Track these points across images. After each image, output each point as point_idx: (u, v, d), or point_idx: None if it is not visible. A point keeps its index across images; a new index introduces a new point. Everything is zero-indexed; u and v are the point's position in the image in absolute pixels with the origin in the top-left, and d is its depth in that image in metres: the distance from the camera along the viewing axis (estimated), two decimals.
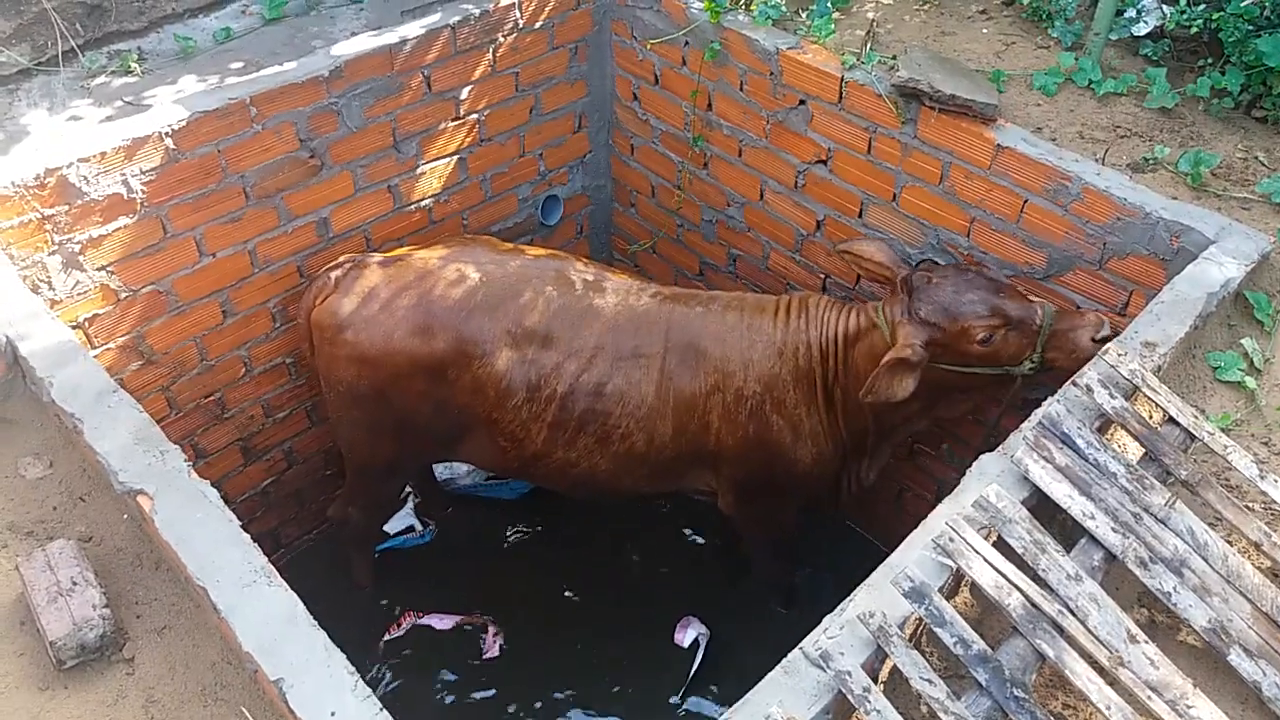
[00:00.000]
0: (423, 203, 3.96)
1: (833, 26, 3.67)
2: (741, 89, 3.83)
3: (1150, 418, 2.49)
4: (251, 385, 3.80)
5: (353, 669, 1.91)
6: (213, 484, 3.76)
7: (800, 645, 1.96)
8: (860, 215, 3.73)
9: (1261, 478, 2.27)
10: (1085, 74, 3.45)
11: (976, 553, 2.08)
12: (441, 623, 4.03)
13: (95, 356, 3.26)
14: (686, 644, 3.95)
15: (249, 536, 2.11)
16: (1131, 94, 3.43)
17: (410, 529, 4.38)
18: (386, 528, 4.31)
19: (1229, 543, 2.27)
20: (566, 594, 4.22)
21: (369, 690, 1.87)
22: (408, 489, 4.44)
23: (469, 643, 3.99)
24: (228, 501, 3.82)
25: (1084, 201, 3.09)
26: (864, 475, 3.62)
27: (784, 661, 1.94)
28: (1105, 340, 2.79)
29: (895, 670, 1.99)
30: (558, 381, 3.30)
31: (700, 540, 4.44)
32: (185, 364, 3.56)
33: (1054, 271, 3.25)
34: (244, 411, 3.83)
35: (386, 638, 4.00)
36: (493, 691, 3.87)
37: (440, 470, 4.46)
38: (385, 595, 4.16)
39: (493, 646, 3.98)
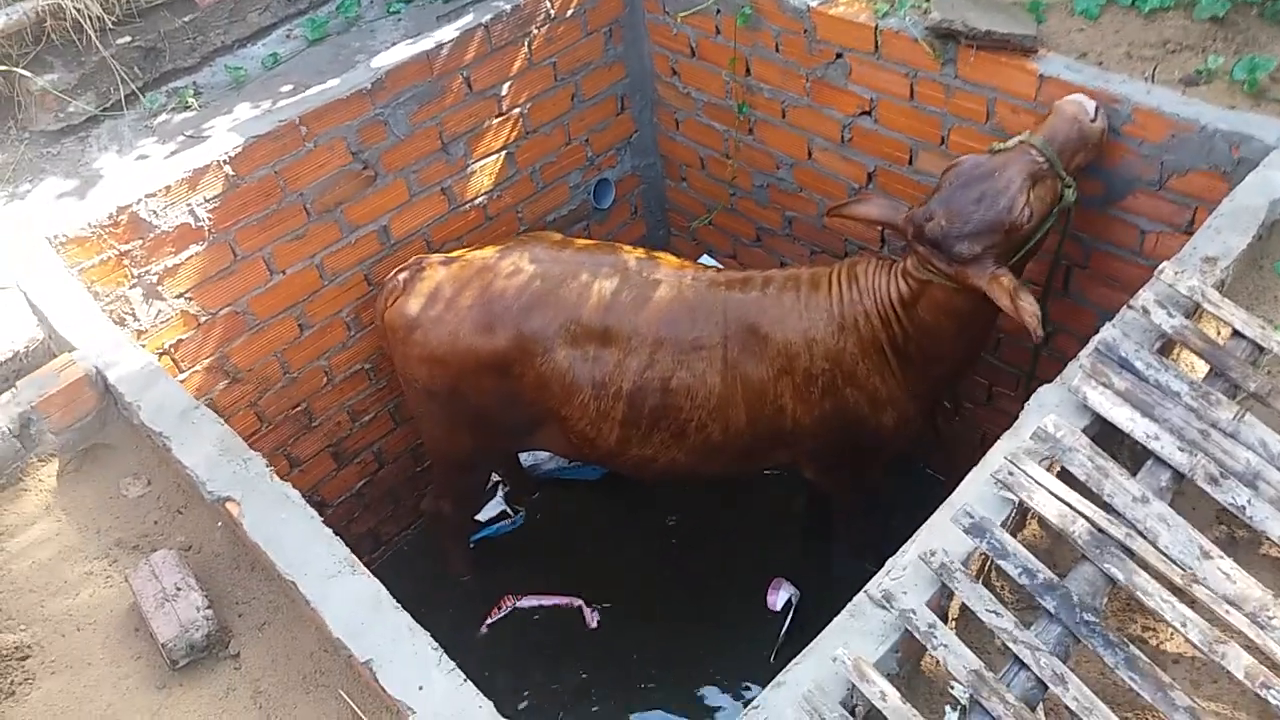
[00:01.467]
0: (476, 201, 4.06)
1: None
2: (777, 50, 3.82)
3: (1218, 334, 2.44)
4: (335, 393, 3.96)
5: (436, 645, 2.01)
6: (308, 490, 4.03)
7: (864, 588, 1.99)
8: (911, 162, 3.69)
9: None
10: None
11: (1038, 484, 2.07)
12: (537, 602, 4.14)
13: (184, 380, 3.45)
14: (779, 606, 3.99)
15: (330, 530, 2.22)
16: (1179, 7, 3.31)
17: (504, 515, 4.50)
18: (479, 517, 4.44)
19: None
20: (657, 566, 4.30)
21: (453, 664, 1.97)
22: (496, 477, 4.57)
23: (567, 620, 4.10)
24: (325, 506, 4.10)
25: (1135, 122, 3.01)
26: (946, 423, 3.58)
27: (850, 605, 1.97)
28: (1096, 115, 2.89)
29: (965, 607, 2.00)
30: (622, 379, 3.30)
31: (789, 504, 4.46)
32: (270, 378, 3.72)
33: (1113, 197, 3.17)
34: (331, 418, 3.99)
35: (489, 621, 4.13)
36: (590, 664, 3.98)
37: (525, 457, 4.56)
38: (483, 582, 4.29)
39: (592, 619, 4.08)
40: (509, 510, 4.49)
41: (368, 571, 2.13)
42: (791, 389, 3.31)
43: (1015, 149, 2.90)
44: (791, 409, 3.35)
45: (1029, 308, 2.78)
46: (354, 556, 2.16)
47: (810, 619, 3.90)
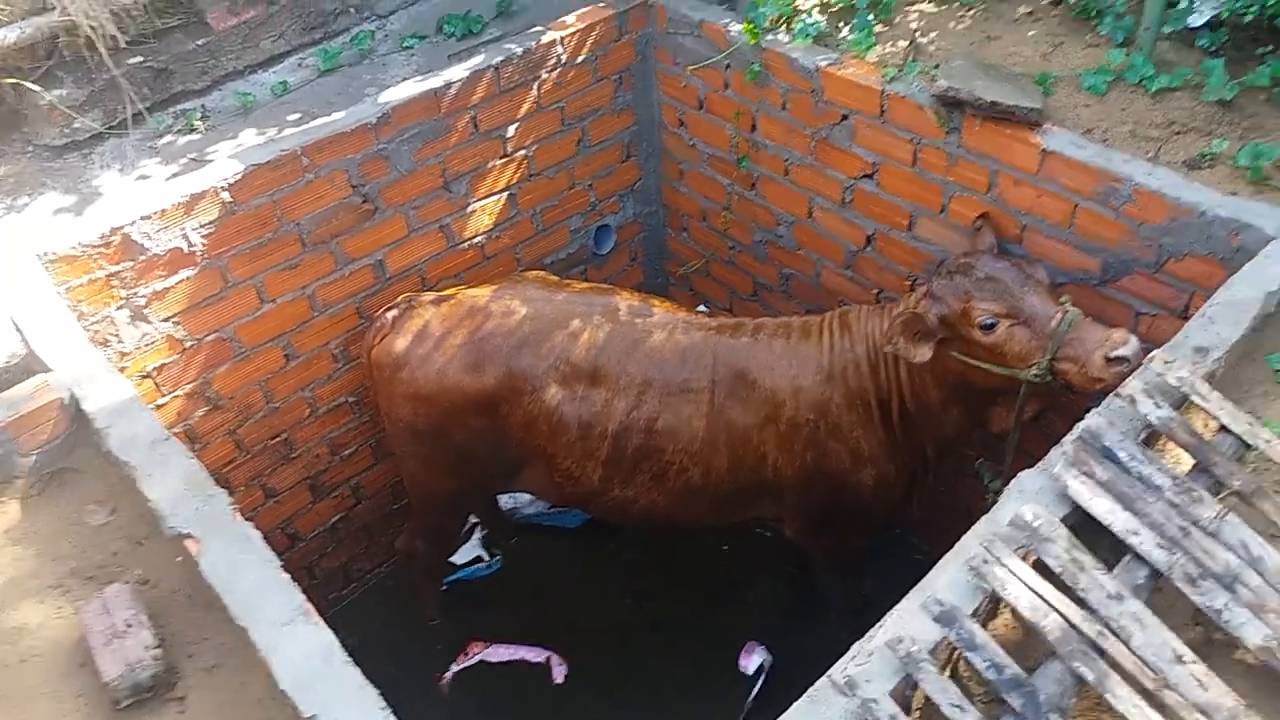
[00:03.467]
0: (475, 240, 4.05)
1: (873, 39, 3.64)
2: (784, 108, 3.82)
3: (1205, 427, 2.39)
4: (317, 425, 3.92)
5: (385, 705, 1.95)
6: (282, 522, 3.98)
7: (828, 673, 1.93)
8: (910, 228, 3.67)
9: None
10: (1136, 70, 3.33)
11: (1012, 574, 2.02)
12: (506, 654, 4.07)
13: (164, 404, 3.42)
14: (751, 670, 3.92)
15: (289, 576, 2.17)
16: (1187, 88, 3.31)
17: (478, 560, 4.45)
18: (454, 559, 4.39)
19: None
20: (632, 620, 4.23)
21: None
22: (474, 520, 4.52)
23: (533, 674, 4.02)
24: (298, 539, 4.05)
25: (1136, 203, 2.99)
26: (927, 497, 3.54)
27: (811, 689, 1.92)
28: (1120, 361, 2.63)
29: (930, 699, 1.94)
30: (608, 419, 3.30)
31: (767, 565, 4.40)
32: (251, 407, 3.69)
33: (1110, 276, 3.14)
34: (310, 450, 3.95)
35: (455, 668, 4.06)
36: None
37: (504, 500, 4.52)
38: (454, 627, 4.23)
39: (559, 674, 4.00)
40: (484, 555, 4.44)
41: (321, 621, 2.08)
42: (775, 437, 3.29)
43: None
44: (773, 458, 3.32)
45: (902, 339, 2.89)
46: (309, 605, 2.11)
47: (783, 685, 3.83)
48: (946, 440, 3.31)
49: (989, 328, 2.83)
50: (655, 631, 4.17)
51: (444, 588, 4.31)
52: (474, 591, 4.38)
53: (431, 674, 4.06)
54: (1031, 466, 2.27)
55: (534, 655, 4.06)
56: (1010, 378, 2.87)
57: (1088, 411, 2.33)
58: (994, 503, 3.02)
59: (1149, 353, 2.53)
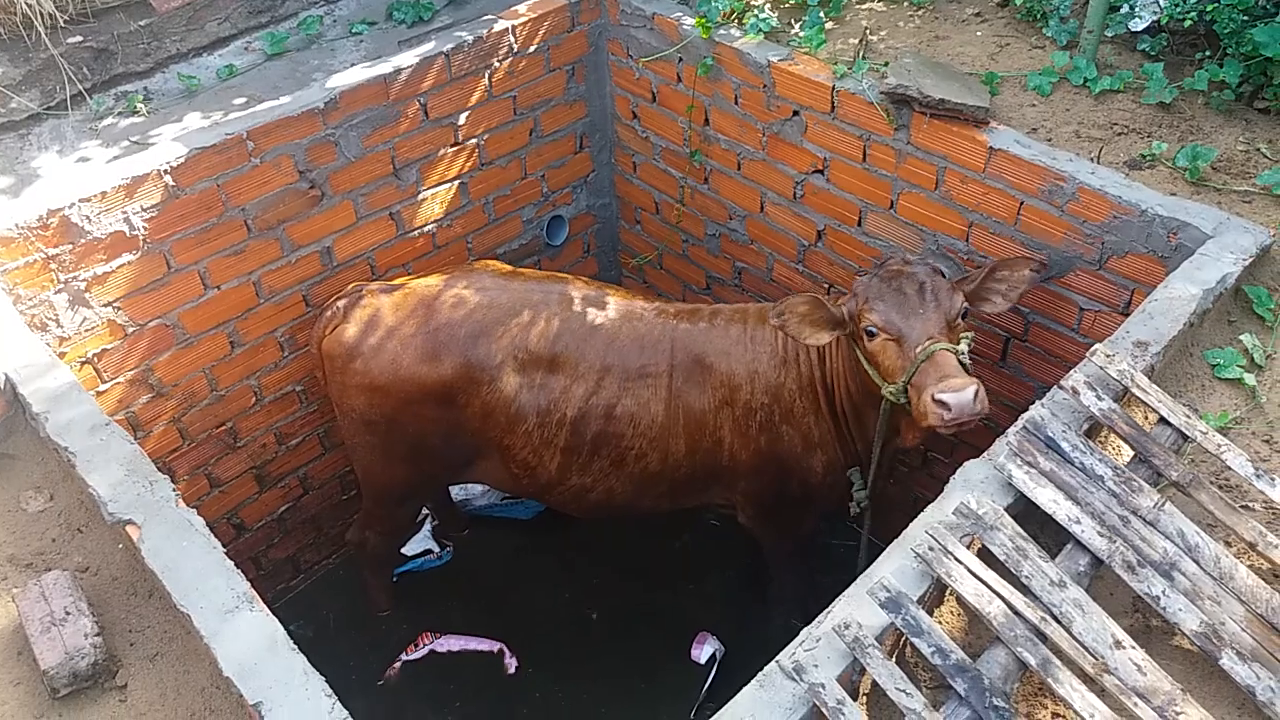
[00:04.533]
0: (426, 228, 4.01)
1: (824, 36, 3.68)
2: (736, 103, 3.84)
3: (1145, 420, 2.45)
4: (263, 414, 3.86)
5: (330, 692, 1.93)
6: (228, 512, 3.91)
7: (776, 658, 1.95)
8: (859, 224, 3.71)
9: (1258, 476, 2.21)
10: (1080, 72, 3.41)
11: (958, 561, 2.05)
12: (457, 644, 4.04)
13: (105, 390, 3.34)
14: (703, 660, 3.94)
15: (232, 563, 2.14)
16: (1128, 90, 3.39)
17: (428, 551, 4.40)
18: (404, 550, 4.35)
19: (1227, 544, 2.22)
20: (583, 612, 4.22)
21: (346, 713, 1.88)
22: (425, 511, 4.48)
23: (484, 665, 4.00)
24: (244, 529, 3.98)
25: (1080, 201, 3.05)
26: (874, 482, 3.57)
27: (760, 675, 1.93)
28: (941, 405, 2.54)
29: (876, 683, 1.96)
30: (567, 406, 3.30)
31: (716, 557, 4.42)
32: (196, 395, 3.62)
33: (1055, 273, 3.20)
34: (256, 440, 3.88)
35: (404, 658, 4.02)
36: (505, 713, 3.88)
37: (456, 491, 4.49)
38: (404, 618, 4.19)
39: (510, 665, 3.98)
40: (435, 547, 4.40)
41: (266, 609, 2.05)
42: (731, 421, 3.32)
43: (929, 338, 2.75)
44: (729, 442, 3.35)
45: (795, 306, 2.89)
46: (254, 592, 2.08)
47: (734, 675, 3.85)
48: (870, 439, 3.32)
49: (870, 335, 2.85)
50: (607, 623, 4.18)
51: (394, 579, 4.26)
52: (425, 583, 4.34)
53: (382, 665, 4.01)
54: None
55: (485, 646, 4.03)
56: (878, 388, 2.89)
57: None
58: (858, 513, 3.14)
59: (982, 415, 2.52)
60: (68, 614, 2.15)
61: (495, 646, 4.03)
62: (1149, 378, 2.43)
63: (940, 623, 2.16)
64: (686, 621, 4.08)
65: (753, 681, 1.92)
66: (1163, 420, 2.35)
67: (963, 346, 2.76)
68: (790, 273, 4.08)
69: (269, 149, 3.41)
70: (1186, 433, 2.31)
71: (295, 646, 2.00)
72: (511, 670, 3.97)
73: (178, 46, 3.90)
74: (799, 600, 3.95)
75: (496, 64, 3.89)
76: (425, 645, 4.04)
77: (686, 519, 4.27)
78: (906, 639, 2.05)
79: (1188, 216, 2.86)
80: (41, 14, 3.53)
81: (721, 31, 3.77)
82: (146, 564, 2.17)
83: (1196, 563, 2.08)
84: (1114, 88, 3.37)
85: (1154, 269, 2.95)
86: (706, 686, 3.85)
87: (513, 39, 3.89)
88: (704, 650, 3.95)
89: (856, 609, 1.99)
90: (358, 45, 4.10)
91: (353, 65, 3.80)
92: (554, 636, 4.11)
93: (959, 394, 2.55)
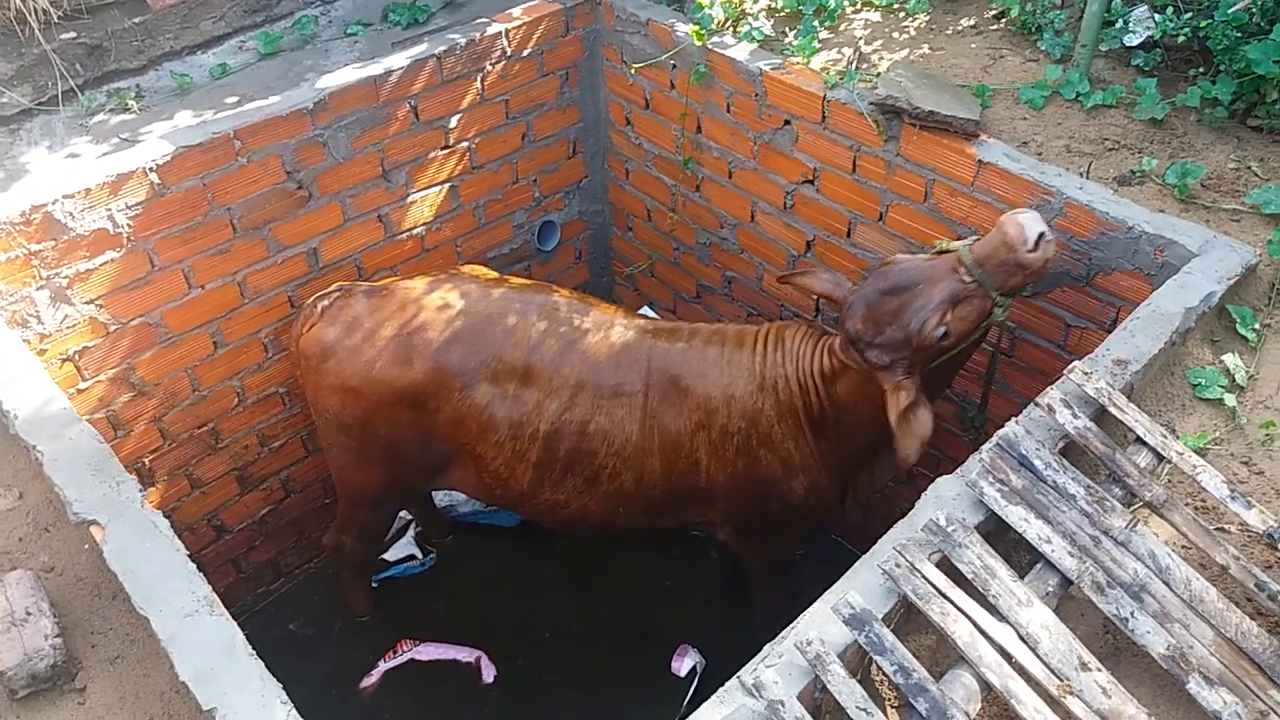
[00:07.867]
0: (414, 231, 4.00)
1: (817, 45, 3.66)
2: (729, 110, 3.82)
3: (1124, 439, 2.42)
4: (245, 415, 3.84)
5: (286, 699, 1.91)
6: (208, 513, 3.89)
7: (738, 674, 1.92)
8: (849, 235, 3.69)
9: (1233, 499, 2.18)
10: (1073, 86, 3.39)
11: (924, 578, 2.02)
12: (436, 653, 4.02)
13: (85, 389, 3.34)
14: (683, 673, 3.90)
15: (194, 566, 2.12)
16: (1121, 106, 3.36)
17: (411, 557, 4.38)
18: (386, 556, 4.33)
19: (1202, 566, 2.19)
20: (566, 621, 4.19)
21: None
22: (409, 517, 4.46)
23: (464, 673, 3.98)
24: (225, 531, 3.97)
25: (1067, 216, 3.03)
26: (862, 498, 3.55)
27: (720, 690, 1.91)
28: (1041, 239, 2.55)
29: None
30: (540, 420, 3.25)
31: (701, 568, 4.39)
32: (178, 395, 3.61)
33: (1041, 289, 3.18)
34: (238, 441, 3.87)
35: (383, 666, 4.00)
36: None
37: (440, 497, 4.47)
38: (384, 624, 4.16)
39: (488, 674, 3.96)
40: (418, 553, 4.38)
41: (226, 613, 2.04)
42: (707, 444, 3.27)
43: (948, 262, 2.72)
44: (706, 464, 3.30)
45: (913, 431, 2.74)
46: (214, 596, 2.06)
47: (716, 688, 3.82)
48: (875, 449, 3.29)
49: (945, 336, 2.73)
50: (589, 633, 4.14)
51: (375, 585, 4.24)
52: (407, 589, 4.32)
53: (360, 671, 3.99)
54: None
55: (464, 655, 4.00)
56: (982, 334, 2.83)
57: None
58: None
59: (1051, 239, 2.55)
60: (29, 614, 2.14)
61: (474, 655, 4.00)
62: (1128, 396, 2.40)
63: (909, 641, 2.13)
64: (668, 634, 4.05)
65: (713, 697, 1.90)
66: (1139, 440, 2.32)
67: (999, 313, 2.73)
68: (784, 286, 4.04)
69: (256, 148, 3.40)
70: (1162, 453, 2.28)
71: (253, 653, 1.98)
72: (489, 679, 3.94)
73: (172, 44, 3.90)
74: (778, 617, 3.90)
75: (489, 67, 3.88)
76: (405, 652, 4.01)
77: (668, 532, 4.23)
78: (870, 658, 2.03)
79: (1174, 234, 2.83)
80: (35, 10, 3.54)
81: (715, 39, 3.76)
82: (109, 565, 2.16)
83: (1167, 585, 2.05)
84: (1106, 103, 3.34)
85: (1140, 286, 2.92)
86: (688, 700, 3.81)
87: (506, 43, 3.88)
88: (685, 663, 3.92)
89: (820, 625, 1.97)
90: (352, 46, 4.09)
91: (346, 65, 3.79)
92: (535, 646, 4.08)
93: (1025, 219, 2.57)
